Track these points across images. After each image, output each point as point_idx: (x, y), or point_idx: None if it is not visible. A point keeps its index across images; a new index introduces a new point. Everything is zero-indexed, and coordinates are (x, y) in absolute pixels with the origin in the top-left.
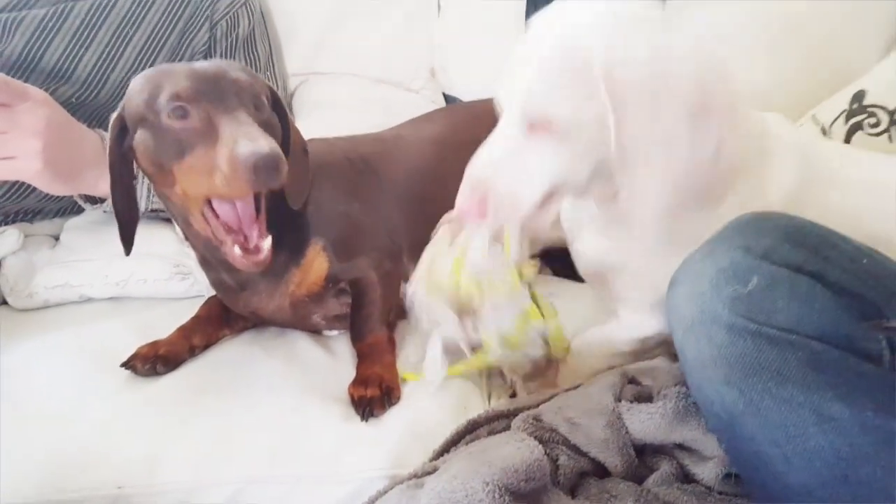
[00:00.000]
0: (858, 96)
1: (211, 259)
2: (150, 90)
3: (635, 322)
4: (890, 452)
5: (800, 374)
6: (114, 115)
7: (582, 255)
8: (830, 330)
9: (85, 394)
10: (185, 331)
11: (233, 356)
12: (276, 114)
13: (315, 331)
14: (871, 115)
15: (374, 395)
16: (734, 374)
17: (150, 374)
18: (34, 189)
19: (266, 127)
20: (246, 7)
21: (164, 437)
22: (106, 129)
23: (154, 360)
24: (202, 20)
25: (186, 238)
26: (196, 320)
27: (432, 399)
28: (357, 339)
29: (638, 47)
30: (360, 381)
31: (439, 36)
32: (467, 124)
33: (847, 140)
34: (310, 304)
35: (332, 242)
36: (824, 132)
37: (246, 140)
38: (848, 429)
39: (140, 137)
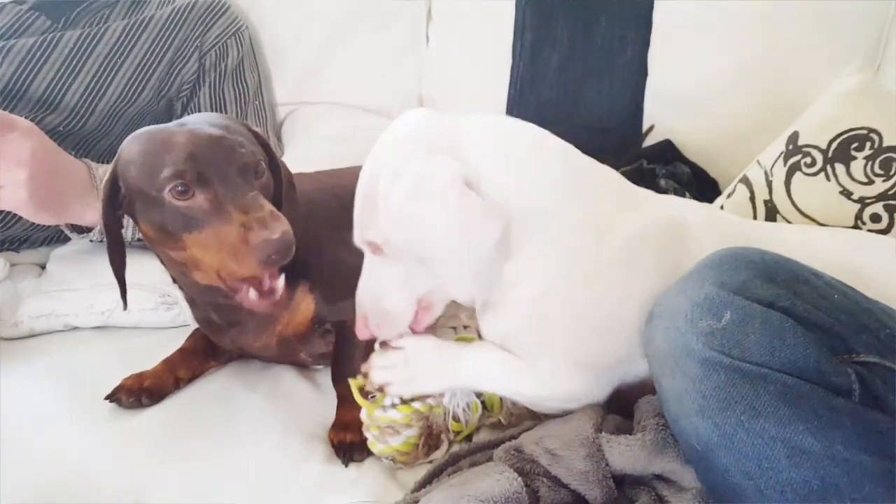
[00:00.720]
0: (793, 138)
1: (199, 300)
2: (149, 166)
3: (553, 377)
4: (859, 486)
5: (772, 407)
6: (104, 179)
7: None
8: (802, 364)
9: (70, 425)
10: (170, 363)
11: (217, 390)
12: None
13: (302, 365)
14: (806, 154)
15: (353, 440)
16: (708, 406)
17: (135, 407)
18: (20, 218)
19: (265, 189)
20: (235, 38)
21: (148, 471)
22: (93, 159)
23: (139, 393)
24: (191, 50)
25: (175, 281)
26: (182, 353)
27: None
28: (338, 380)
29: (408, 175)
30: (339, 426)
31: (428, 66)
32: None
33: (787, 181)
34: (296, 343)
35: (319, 284)
36: (767, 176)
37: (258, 226)
38: (819, 462)
39: (142, 209)
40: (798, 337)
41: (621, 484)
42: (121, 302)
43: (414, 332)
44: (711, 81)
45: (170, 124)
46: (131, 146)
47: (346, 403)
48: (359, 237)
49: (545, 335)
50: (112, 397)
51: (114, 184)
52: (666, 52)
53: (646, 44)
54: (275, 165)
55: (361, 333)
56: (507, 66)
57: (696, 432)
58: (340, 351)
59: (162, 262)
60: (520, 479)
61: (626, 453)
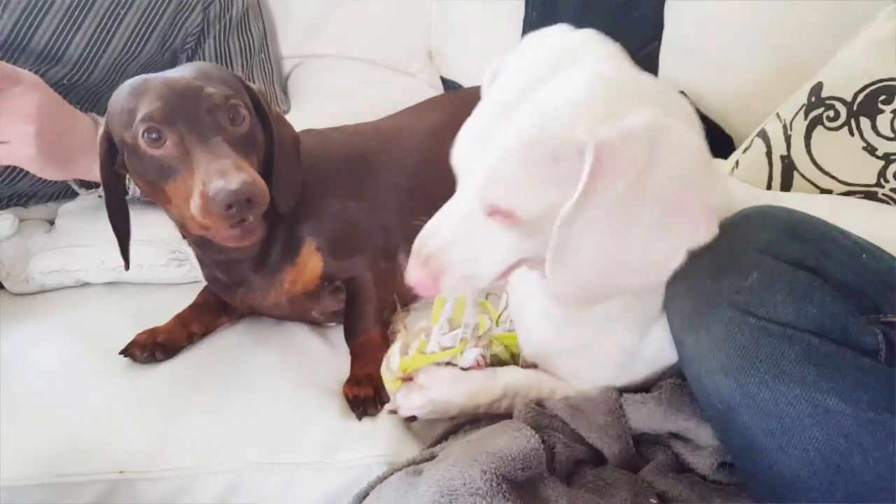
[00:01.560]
0: (816, 89)
1: (204, 257)
2: (126, 112)
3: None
4: (883, 444)
5: (797, 367)
6: (100, 132)
7: (527, 340)
8: (828, 324)
9: (84, 379)
10: (182, 318)
11: (231, 345)
12: (259, 117)
13: (314, 323)
14: (830, 107)
15: (367, 395)
16: (732, 365)
17: (149, 362)
18: (28, 173)
19: (245, 140)
20: None
21: (165, 424)
22: (99, 113)
23: (153, 348)
24: (195, 1)
25: (183, 237)
26: (193, 308)
27: None
28: (351, 337)
29: (634, 122)
30: (353, 381)
31: (436, 18)
32: (468, 113)
33: (808, 136)
34: (306, 301)
35: (327, 242)
36: (786, 130)
37: (217, 177)
38: (843, 421)
39: (128, 159)
40: (825, 297)
41: (637, 443)
42: (131, 258)
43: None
44: (729, 36)
45: (153, 74)
46: (115, 98)
47: (359, 359)
48: (480, 195)
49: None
50: (126, 352)
51: (107, 138)
52: (683, 4)
53: None
54: (266, 121)
55: (421, 287)
56: (518, 18)
57: (717, 391)
58: (353, 308)
59: (171, 219)
60: (537, 436)
61: (642, 409)
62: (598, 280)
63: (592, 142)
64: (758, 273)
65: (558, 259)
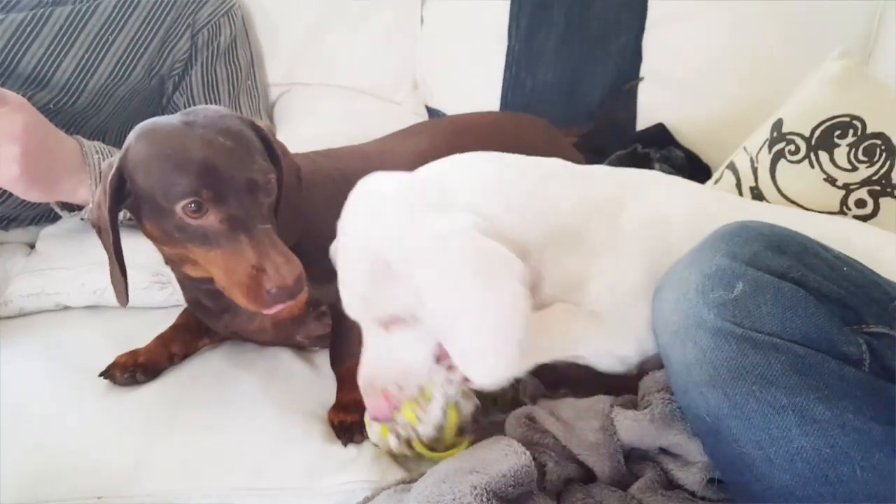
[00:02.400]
0: (777, 125)
1: (189, 284)
2: (159, 176)
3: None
4: (869, 453)
5: (783, 377)
6: (109, 175)
7: None
8: (813, 334)
9: (63, 402)
10: (163, 339)
11: (213, 368)
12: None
13: (298, 347)
14: (790, 142)
15: (353, 421)
16: (719, 377)
17: (130, 384)
18: (9, 195)
19: (272, 206)
20: (228, 16)
21: (145, 447)
22: (85, 136)
23: (133, 369)
24: (183, 28)
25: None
26: (174, 329)
27: None
28: (336, 363)
29: (420, 239)
30: (339, 407)
31: (422, 48)
32: (452, 138)
33: (772, 168)
34: (291, 326)
35: (313, 267)
36: (752, 162)
37: (273, 272)
38: (829, 430)
39: (149, 213)
40: (810, 307)
41: (627, 459)
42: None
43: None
44: (705, 67)
45: (177, 121)
46: (139, 146)
47: (345, 385)
48: (367, 316)
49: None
50: (106, 374)
51: (119, 180)
52: (661, 37)
53: (641, 29)
54: (276, 158)
55: (380, 413)
56: (501, 49)
57: (705, 403)
58: (339, 333)
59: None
60: (528, 453)
61: (635, 427)
62: (498, 352)
63: (403, 268)
64: (743, 285)
65: (464, 361)
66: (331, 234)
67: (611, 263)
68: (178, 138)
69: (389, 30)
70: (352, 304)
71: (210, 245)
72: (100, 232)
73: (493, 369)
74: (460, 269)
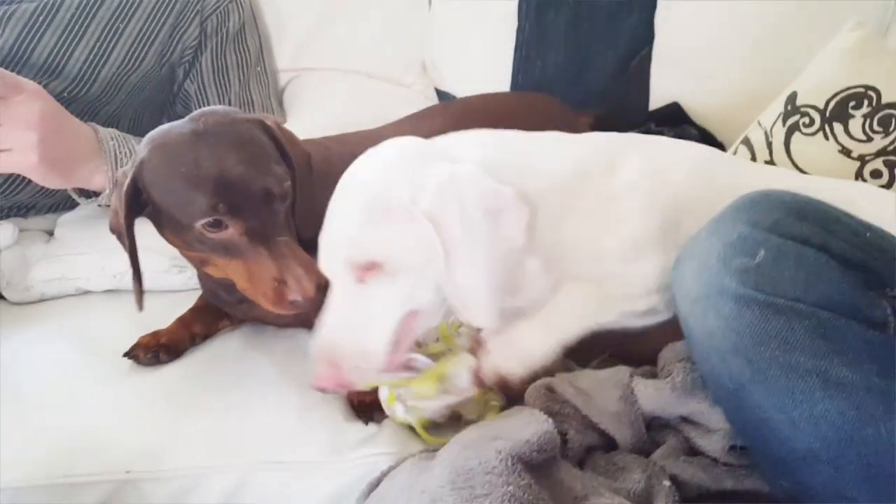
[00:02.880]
0: (791, 98)
1: (207, 279)
2: (177, 194)
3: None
4: (894, 414)
5: (807, 341)
6: (126, 183)
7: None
8: (837, 299)
9: (88, 381)
10: (184, 321)
11: (235, 348)
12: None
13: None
14: (805, 114)
15: (373, 399)
16: (742, 344)
17: (153, 364)
18: (28, 183)
19: (289, 209)
20: (236, 2)
21: (170, 425)
22: (99, 124)
23: (156, 349)
24: (192, 15)
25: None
26: (194, 311)
27: None
28: None
29: (431, 181)
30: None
31: (430, 30)
32: (465, 120)
33: (787, 141)
34: (311, 309)
35: None
36: (767, 136)
37: (295, 284)
38: (854, 392)
39: (168, 225)
40: (833, 272)
41: (648, 427)
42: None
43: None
44: (719, 45)
45: (188, 130)
46: (154, 162)
47: None
48: (347, 260)
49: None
50: (130, 354)
51: (135, 189)
52: (672, 14)
53: (652, 6)
54: (286, 155)
55: (326, 383)
56: (511, 30)
57: (728, 370)
58: None
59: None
60: (551, 420)
61: (655, 396)
62: (496, 292)
63: (414, 206)
64: (765, 252)
65: (462, 301)
66: None
67: (611, 219)
68: (190, 152)
69: (397, 13)
70: (333, 247)
71: (231, 255)
72: (119, 237)
73: (493, 309)
74: (473, 204)
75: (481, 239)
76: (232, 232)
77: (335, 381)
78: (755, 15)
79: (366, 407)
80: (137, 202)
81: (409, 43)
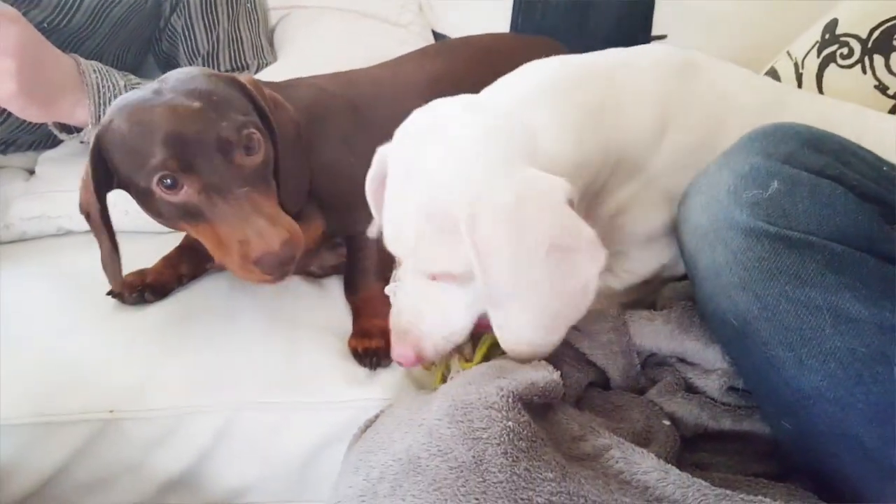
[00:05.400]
0: (830, 26)
1: None
2: (132, 155)
3: (630, 267)
4: None
5: (819, 276)
6: (91, 151)
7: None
8: (851, 231)
9: (71, 320)
10: (171, 259)
11: (222, 287)
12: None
13: (311, 276)
14: (844, 44)
15: (378, 346)
16: (750, 278)
17: (138, 303)
18: (7, 116)
19: (260, 168)
20: None
21: (155, 363)
22: (82, 56)
23: (142, 289)
24: None
25: None
26: (181, 250)
27: None
28: (351, 293)
29: (498, 199)
30: (361, 334)
31: None
32: (469, 61)
33: (820, 74)
34: (306, 256)
35: (328, 199)
36: (797, 67)
37: (257, 239)
38: (865, 329)
39: (136, 196)
40: (849, 204)
41: (643, 365)
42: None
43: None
44: None
45: (149, 91)
46: (114, 121)
47: (363, 314)
48: (414, 266)
49: None
50: (114, 293)
51: (99, 156)
52: None
53: None
54: (265, 116)
55: (406, 360)
56: None
57: (734, 307)
58: (354, 264)
59: None
60: (558, 371)
61: (648, 327)
62: (547, 331)
63: (468, 225)
64: (778, 183)
65: (505, 331)
66: (346, 170)
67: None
68: (145, 111)
69: None
70: (399, 250)
71: (196, 220)
72: (88, 217)
73: (539, 347)
74: (539, 241)
75: (538, 279)
76: (188, 191)
77: (414, 358)
78: None
79: (372, 352)
80: (105, 172)
81: None
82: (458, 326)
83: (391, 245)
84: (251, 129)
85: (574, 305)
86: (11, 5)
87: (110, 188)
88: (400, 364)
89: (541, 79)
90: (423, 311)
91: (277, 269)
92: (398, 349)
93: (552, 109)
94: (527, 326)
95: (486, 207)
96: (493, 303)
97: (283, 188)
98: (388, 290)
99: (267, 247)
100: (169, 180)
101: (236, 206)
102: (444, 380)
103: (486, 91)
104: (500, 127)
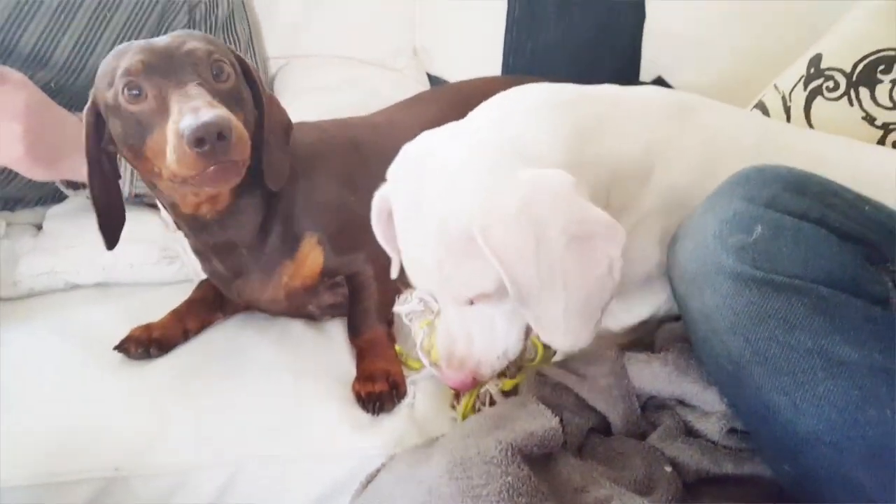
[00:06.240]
0: (815, 60)
1: (201, 247)
2: (109, 72)
3: (628, 307)
4: None
5: (807, 319)
6: (86, 107)
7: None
8: (837, 274)
9: (77, 378)
10: (178, 314)
11: (225, 339)
12: (248, 86)
13: (310, 317)
14: (829, 78)
15: (382, 390)
16: (740, 323)
17: (143, 358)
18: (16, 176)
19: (229, 96)
20: None
21: (160, 419)
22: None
23: (147, 344)
24: (181, 3)
25: (177, 224)
26: (190, 304)
27: (430, 384)
28: (354, 334)
29: (507, 204)
30: (365, 377)
31: (420, 15)
32: (460, 105)
33: (807, 107)
34: (304, 295)
35: (327, 236)
36: (785, 101)
37: (189, 113)
38: (857, 371)
39: (112, 125)
40: (832, 247)
41: (644, 409)
42: (120, 257)
43: None
44: (711, 21)
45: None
46: (101, 65)
47: (367, 356)
48: (444, 297)
49: None
50: (121, 348)
51: (94, 108)
52: None
53: None
54: (256, 92)
55: (462, 386)
56: (501, 12)
57: (726, 351)
58: (356, 304)
59: (163, 204)
60: (556, 418)
61: (647, 370)
62: (582, 319)
63: (484, 238)
64: (762, 227)
65: (542, 328)
66: (347, 207)
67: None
68: (125, 45)
69: (386, 1)
70: (429, 284)
71: (152, 130)
72: (90, 177)
73: (579, 336)
74: (557, 235)
75: (563, 271)
76: (150, 98)
77: (471, 384)
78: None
79: (376, 397)
80: (100, 126)
81: (400, 28)
82: (510, 342)
83: (417, 282)
84: (221, 57)
85: (603, 288)
86: (20, 67)
87: (102, 141)
88: (457, 389)
89: (530, 97)
90: (473, 335)
91: (207, 148)
92: (456, 378)
93: (542, 121)
94: (561, 318)
95: (495, 215)
96: (525, 302)
97: (268, 166)
98: (398, 309)
99: (195, 118)
100: (135, 90)
101: (184, 95)
102: (473, 408)
103: (472, 113)
104: (488, 140)
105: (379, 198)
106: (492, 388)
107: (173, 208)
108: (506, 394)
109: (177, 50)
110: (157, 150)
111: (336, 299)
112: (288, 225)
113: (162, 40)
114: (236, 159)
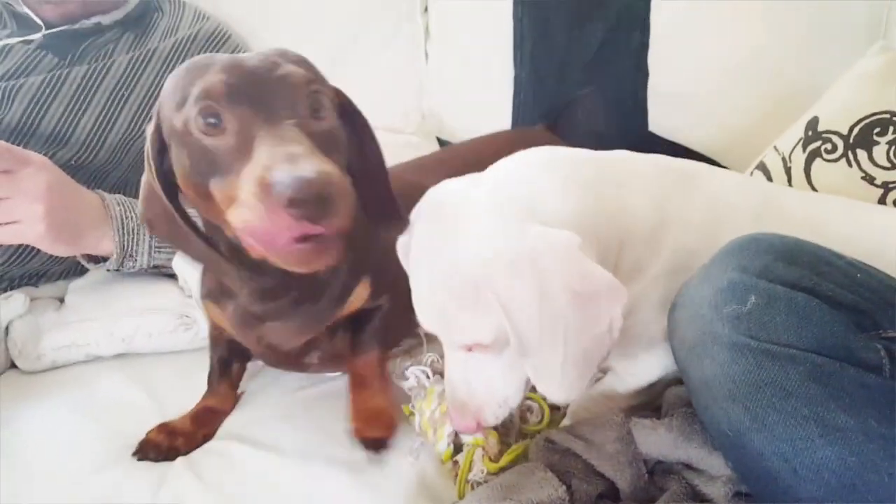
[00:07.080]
0: (812, 123)
1: (242, 288)
2: (181, 90)
3: (635, 371)
4: (895, 459)
5: (802, 387)
6: (150, 128)
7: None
8: (830, 342)
9: (96, 456)
10: (197, 420)
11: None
12: (344, 124)
13: (303, 371)
14: (827, 140)
15: (384, 436)
16: (738, 391)
17: (161, 461)
18: (38, 252)
19: (328, 140)
20: None
21: (180, 501)
22: (106, 191)
23: (167, 451)
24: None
25: (222, 267)
26: (206, 411)
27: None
28: (351, 354)
29: (514, 255)
30: (361, 419)
31: (428, 83)
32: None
33: (807, 168)
34: (322, 340)
35: (377, 280)
36: (785, 162)
37: (284, 161)
38: (853, 439)
39: (176, 155)
40: (824, 315)
41: (651, 473)
42: (140, 327)
43: None
44: (714, 78)
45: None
46: (170, 79)
47: (358, 387)
48: (447, 339)
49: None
50: (141, 454)
51: (157, 131)
52: (666, 52)
53: (645, 46)
54: (356, 129)
55: (468, 429)
56: (508, 78)
57: (727, 418)
58: (358, 328)
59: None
60: (563, 486)
61: (653, 436)
62: (578, 372)
63: (489, 285)
64: (755, 297)
65: (539, 378)
66: (387, 243)
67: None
68: (205, 58)
69: (396, 68)
70: (432, 325)
71: (226, 171)
72: (149, 224)
73: (573, 387)
74: (560, 291)
75: (564, 325)
76: (229, 132)
77: (476, 428)
78: (749, 46)
79: (378, 444)
80: (163, 153)
81: (408, 95)
82: (509, 392)
83: (423, 321)
84: (320, 87)
85: (601, 345)
86: (41, 147)
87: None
88: (464, 433)
89: (543, 157)
90: (472, 381)
91: (300, 210)
92: (461, 422)
93: (553, 180)
94: (559, 369)
95: (502, 264)
96: (525, 352)
97: (371, 212)
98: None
99: (292, 170)
100: (212, 118)
101: (276, 136)
102: (467, 482)
103: (494, 165)
104: (503, 194)
105: (401, 245)
106: (486, 463)
107: (235, 252)
108: (502, 469)
109: (269, 73)
110: (228, 197)
111: (335, 350)
112: (354, 272)
113: (250, 58)
114: (336, 230)
